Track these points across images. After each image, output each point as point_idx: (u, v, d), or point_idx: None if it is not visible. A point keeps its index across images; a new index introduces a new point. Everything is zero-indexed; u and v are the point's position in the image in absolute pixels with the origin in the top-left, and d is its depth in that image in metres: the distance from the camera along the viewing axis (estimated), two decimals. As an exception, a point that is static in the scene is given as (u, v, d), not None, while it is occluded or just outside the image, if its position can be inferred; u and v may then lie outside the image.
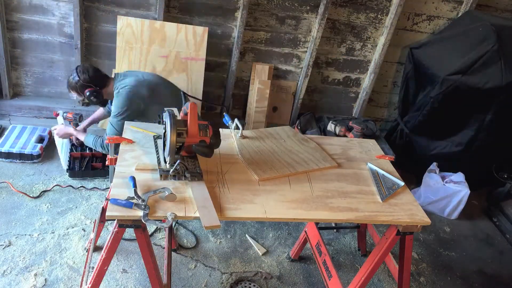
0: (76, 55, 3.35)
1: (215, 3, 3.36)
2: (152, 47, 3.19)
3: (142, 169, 1.68)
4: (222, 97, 3.80)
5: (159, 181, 1.64)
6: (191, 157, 1.75)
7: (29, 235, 2.42)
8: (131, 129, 1.94)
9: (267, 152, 1.99)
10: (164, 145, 1.72)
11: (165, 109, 1.71)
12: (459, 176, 3.22)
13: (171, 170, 1.65)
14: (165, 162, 1.70)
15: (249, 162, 1.87)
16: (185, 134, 1.65)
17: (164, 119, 1.70)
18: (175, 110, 1.77)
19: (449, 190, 3.14)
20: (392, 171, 2.03)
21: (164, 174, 1.66)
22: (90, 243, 2.23)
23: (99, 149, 2.59)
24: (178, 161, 1.65)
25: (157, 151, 1.80)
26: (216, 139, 1.74)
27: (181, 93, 2.71)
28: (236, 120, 2.07)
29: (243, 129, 2.09)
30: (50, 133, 3.22)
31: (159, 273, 1.79)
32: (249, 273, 2.48)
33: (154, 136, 1.91)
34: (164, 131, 1.71)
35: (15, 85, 3.53)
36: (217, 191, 1.66)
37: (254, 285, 2.40)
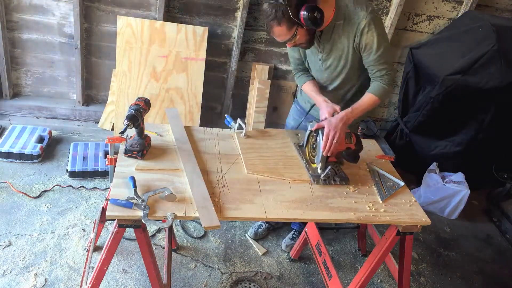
0: (76, 55, 3.35)
1: (215, 3, 3.35)
2: (152, 47, 3.19)
3: (142, 169, 1.68)
4: (222, 97, 3.80)
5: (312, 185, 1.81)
6: (335, 163, 1.90)
7: (29, 235, 2.42)
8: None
9: (267, 152, 1.99)
10: (313, 153, 1.92)
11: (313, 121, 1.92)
12: (459, 176, 3.22)
13: (322, 175, 1.82)
14: (317, 167, 1.86)
15: (247, 159, 1.87)
16: None
17: (314, 132, 1.89)
18: None
19: (449, 190, 3.14)
20: (392, 171, 2.03)
21: (316, 179, 1.82)
22: (90, 243, 2.22)
23: None
24: (329, 167, 1.81)
25: (302, 158, 1.96)
26: (359, 145, 1.89)
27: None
28: (239, 120, 2.07)
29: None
30: (50, 132, 3.21)
31: (159, 273, 1.79)
32: (249, 273, 2.48)
33: (295, 143, 2.06)
34: (306, 139, 1.95)
35: (15, 85, 3.52)
36: (217, 191, 1.66)
37: (254, 285, 2.40)
